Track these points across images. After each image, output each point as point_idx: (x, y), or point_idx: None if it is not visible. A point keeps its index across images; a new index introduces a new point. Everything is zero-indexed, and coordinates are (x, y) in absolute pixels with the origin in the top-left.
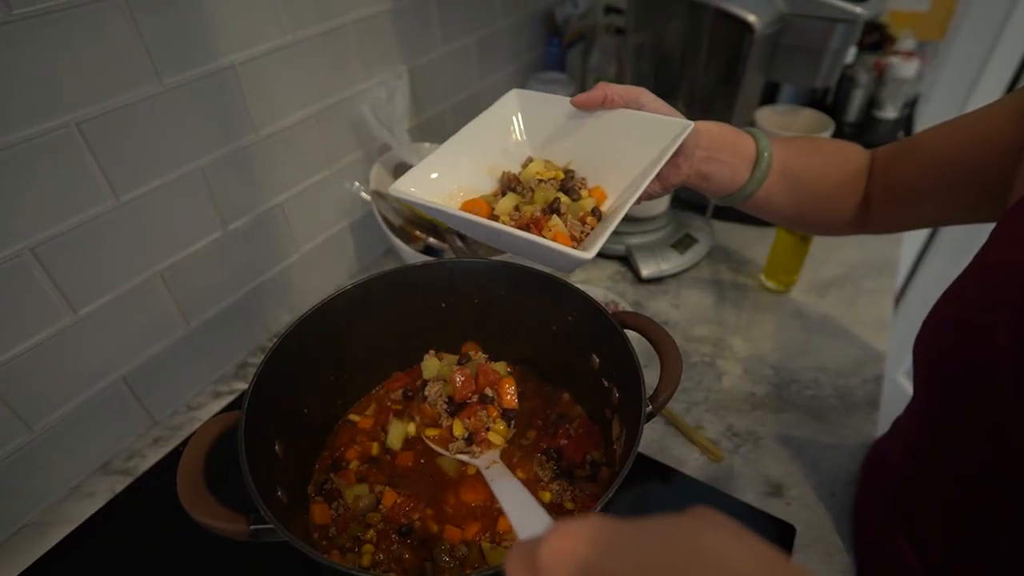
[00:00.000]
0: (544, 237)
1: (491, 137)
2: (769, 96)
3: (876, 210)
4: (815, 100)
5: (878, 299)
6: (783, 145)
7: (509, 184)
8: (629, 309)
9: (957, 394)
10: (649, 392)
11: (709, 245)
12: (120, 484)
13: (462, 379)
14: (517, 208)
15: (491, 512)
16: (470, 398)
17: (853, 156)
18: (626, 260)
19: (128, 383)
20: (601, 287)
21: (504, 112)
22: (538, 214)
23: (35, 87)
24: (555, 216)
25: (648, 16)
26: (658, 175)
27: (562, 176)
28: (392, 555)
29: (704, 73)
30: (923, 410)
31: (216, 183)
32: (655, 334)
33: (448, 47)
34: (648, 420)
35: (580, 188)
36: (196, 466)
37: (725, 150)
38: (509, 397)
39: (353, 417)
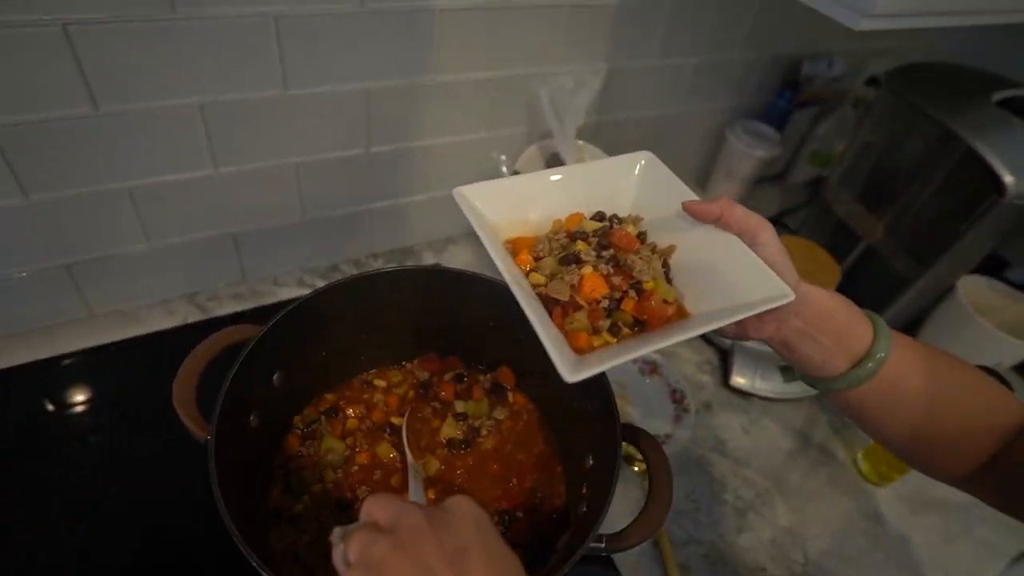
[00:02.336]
0: (557, 325)
1: (598, 186)
2: (994, 264)
3: (1000, 485)
4: None
5: (982, 555)
6: (911, 355)
7: (574, 236)
8: (693, 406)
9: None
10: (621, 523)
11: None
12: (194, 316)
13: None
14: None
15: None
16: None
17: (1002, 408)
18: (724, 355)
19: (236, 241)
20: (680, 371)
21: (625, 169)
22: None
23: None
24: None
25: (891, 118)
26: (738, 322)
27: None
28: (315, 519)
29: (924, 206)
30: None
31: (376, 107)
32: (656, 473)
33: (663, 61)
34: (598, 555)
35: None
36: (199, 363)
37: (827, 332)
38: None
39: (377, 381)
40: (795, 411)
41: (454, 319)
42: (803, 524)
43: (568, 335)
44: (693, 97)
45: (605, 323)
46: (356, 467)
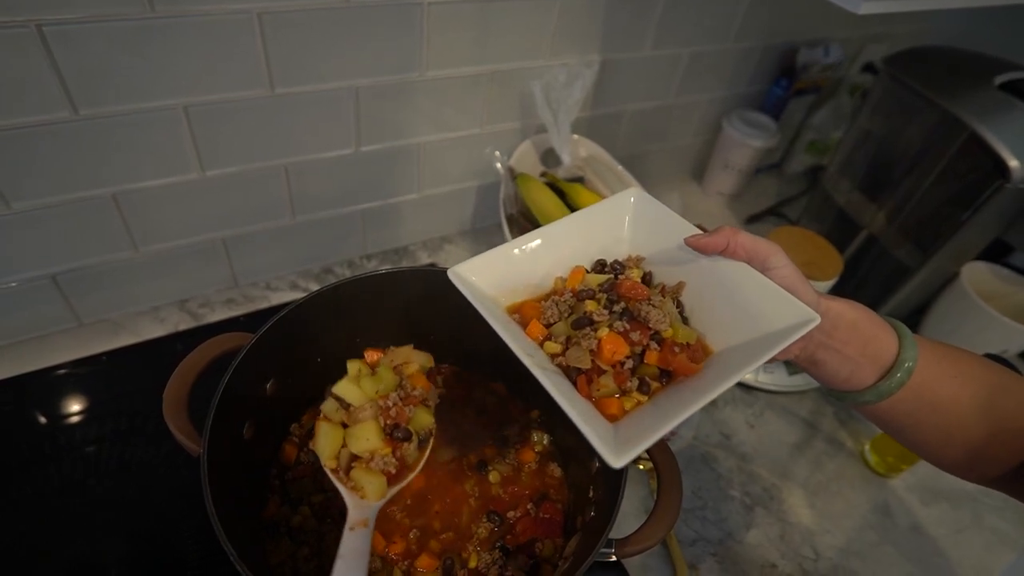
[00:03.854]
0: (584, 395)
1: (593, 233)
2: (997, 251)
3: None
4: None
5: (994, 545)
6: (938, 359)
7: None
8: None
9: None
10: (629, 524)
11: None
12: (186, 323)
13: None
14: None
15: (425, 541)
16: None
17: None
18: None
19: (226, 245)
20: None
21: (617, 210)
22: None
23: None
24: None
25: (890, 105)
26: None
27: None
28: (315, 531)
29: (926, 193)
30: None
31: (365, 105)
32: (664, 474)
33: (656, 51)
34: (607, 560)
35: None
36: (188, 375)
37: (853, 344)
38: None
39: None
40: (800, 403)
41: (451, 320)
42: (812, 519)
43: (598, 403)
44: (688, 88)
45: (633, 383)
46: None
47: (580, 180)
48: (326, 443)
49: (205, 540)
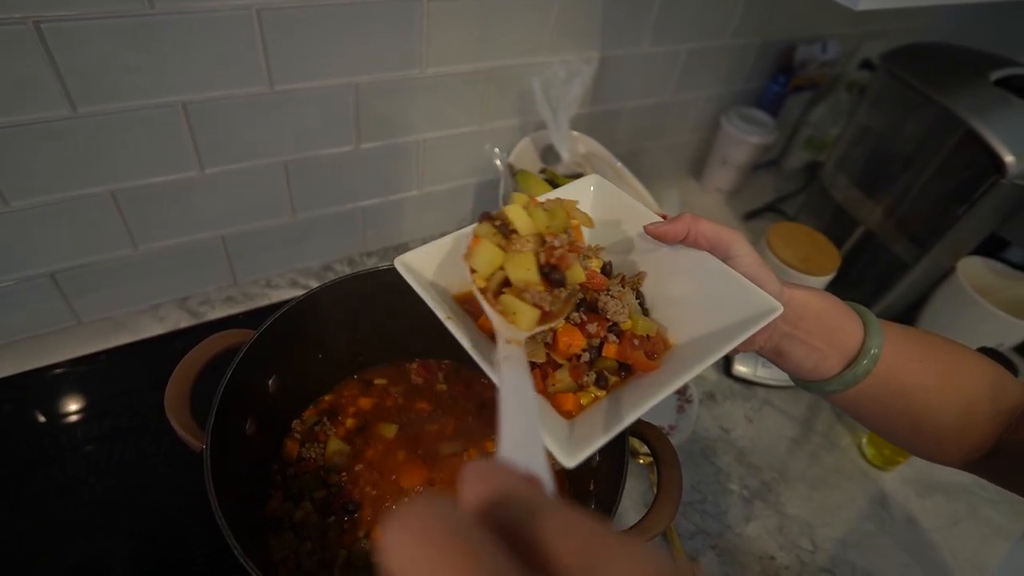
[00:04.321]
0: (539, 390)
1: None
2: (993, 246)
3: (1011, 468)
4: None
5: (989, 537)
6: (904, 345)
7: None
8: (695, 396)
9: None
10: (629, 517)
11: None
12: (186, 321)
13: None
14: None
15: None
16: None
17: (1003, 390)
18: None
19: (225, 243)
20: None
21: (575, 198)
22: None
23: None
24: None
25: (887, 101)
26: None
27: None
28: (318, 527)
29: (922, 188)
30: None
31: (365, 102)
32: (664, 467)
33: (655, 48)
34: None
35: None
36: (190, 372)
37: (818, 334)
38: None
39: (377, 380)
40: (798, 398)
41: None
42: (810, 511)
43: (553, 399)
44: (686, 84)
45: (590, 377)
46: (361, 466)
47: (579, 177)
48: (485, 260)
49: (207, 537)
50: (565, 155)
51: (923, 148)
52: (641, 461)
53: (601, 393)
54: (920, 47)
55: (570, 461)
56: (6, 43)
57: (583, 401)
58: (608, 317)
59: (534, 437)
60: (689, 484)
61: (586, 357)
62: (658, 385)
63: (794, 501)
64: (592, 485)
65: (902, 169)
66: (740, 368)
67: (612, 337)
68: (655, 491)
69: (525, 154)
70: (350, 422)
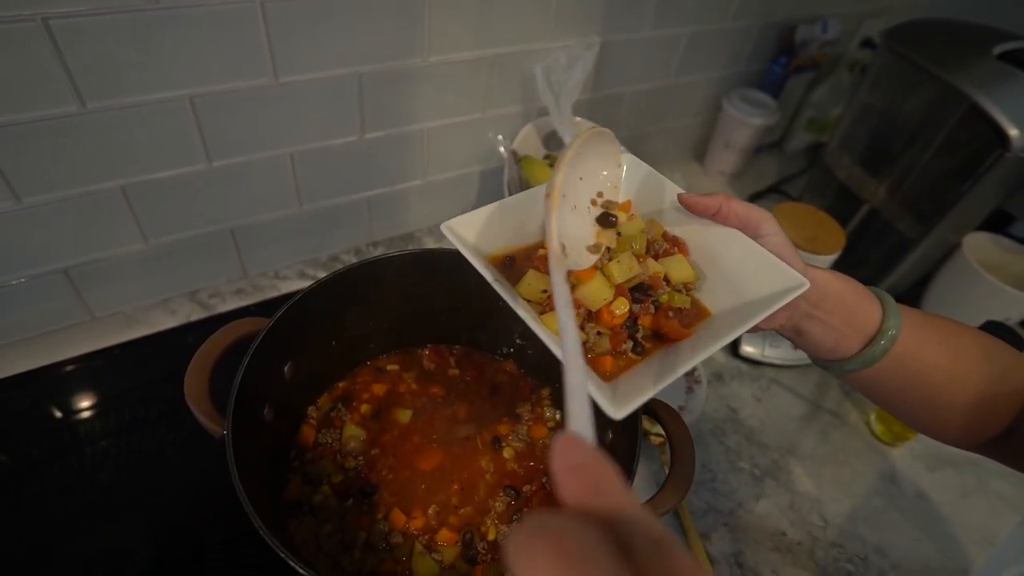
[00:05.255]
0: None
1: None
2: (998, 221)
3: (1021, 449)
4: None
5: (999, 509)
6: (921, 327)
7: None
8: (704, 377)
9: None
10: (643, 498)
11: None
12: (197, 314)
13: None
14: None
15: (444, 516)
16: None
17: (1016, 372)
18: None
19: (234, 235)
20: None
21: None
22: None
23: None
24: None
25: (889, 78)
26: None
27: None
28: (336, 510)
29: (926, 165)
30: None
31: (369, 92)
32: (676, 441)
33: (656, 32)
34: None
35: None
36: (209, 358)
37: (837, 314)
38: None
39: (390, 367)
40: (806, 377)
41: (461, 300)
42: (820, 488)
43: (592, 362)
44: (688, 67)
45: (628, 344)
46: (376, 450)
47: None
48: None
49: (225, 526)
50: (568, 141)
51: (926, 124)
52: (652, 441)
53: (637, 359)
54: (921, 23)
55: (618, 414)
56: (16, 40)
57: (621, 364)
58: (652, 295)
59: (589, 408)
60: (699, 463)
61: (627, 326)
62: (693, 350)
63: (804, 478)
64: None
65: (906, 146)
66: (747, 349)
67: (650, 307)
68: (666, 471)
69: (528, 141)
70: (365, 408)
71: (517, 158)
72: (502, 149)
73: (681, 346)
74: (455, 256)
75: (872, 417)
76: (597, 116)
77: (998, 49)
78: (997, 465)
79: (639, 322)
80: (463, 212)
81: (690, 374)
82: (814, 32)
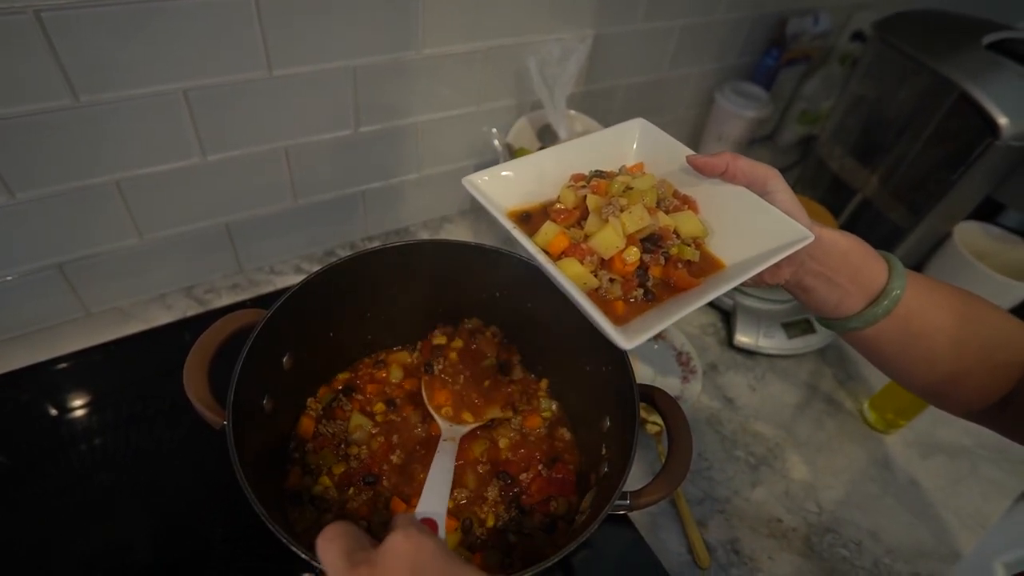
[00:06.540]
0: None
1: (599, 157)
2: (988, 210)
3: (1018, 419)
4: None
5: (990, 494)
6: (926, 290)
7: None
8: (699, 367)
9: None
10: (639, 485)
11: (825, 342)
12: (193, 309)
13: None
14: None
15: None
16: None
17: (1019, 340)
18: (727, 316)
19: (230, 231)
20: (684, 334)
21: (622, 138)
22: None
23: None
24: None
25: (880, 69)
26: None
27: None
28: (337, 500)
29: (918, 154)
30: None
31: (363, 85)
32: (674, 426)
33: (648, 24)
34: (621, 512)
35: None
36: (208, 349)
37: (843, 272)
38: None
39: (390, 359)
40: (800, 366)
41: (459, 292)
42: (815, 475)
43: (606, 304)
44: (680, 61)
45: (639, 292)
46: (381, 439)
47: None
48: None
49: (225, 520)
50: (562, 134)
51: (917, 115)
52: (648, 430)
53: (647, 305)
54: (912, 14)
55: (628, 344)
56: (8, 34)
57: (632, 309)
58: (677, 233)
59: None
60: (696, 452)
61: (638, 275)
62: (700, 294)
63: (799, 466)
64: (604, 449)
65: (897, 137)
66: (742, 339)
67: (660, 258)
68: (663, 460)
69: (522, 134)
70: (366, 398)
71: (512, 151)
72: (496, 142)
73: (690, 293)
74: (449, 249)
75: (865, 405)
76: (591, 109)
77: (987, 39)
78: (988, 451)
79: (650, 271)
80: (458, 207)
81: (686, 364)
82: (805, 25)
